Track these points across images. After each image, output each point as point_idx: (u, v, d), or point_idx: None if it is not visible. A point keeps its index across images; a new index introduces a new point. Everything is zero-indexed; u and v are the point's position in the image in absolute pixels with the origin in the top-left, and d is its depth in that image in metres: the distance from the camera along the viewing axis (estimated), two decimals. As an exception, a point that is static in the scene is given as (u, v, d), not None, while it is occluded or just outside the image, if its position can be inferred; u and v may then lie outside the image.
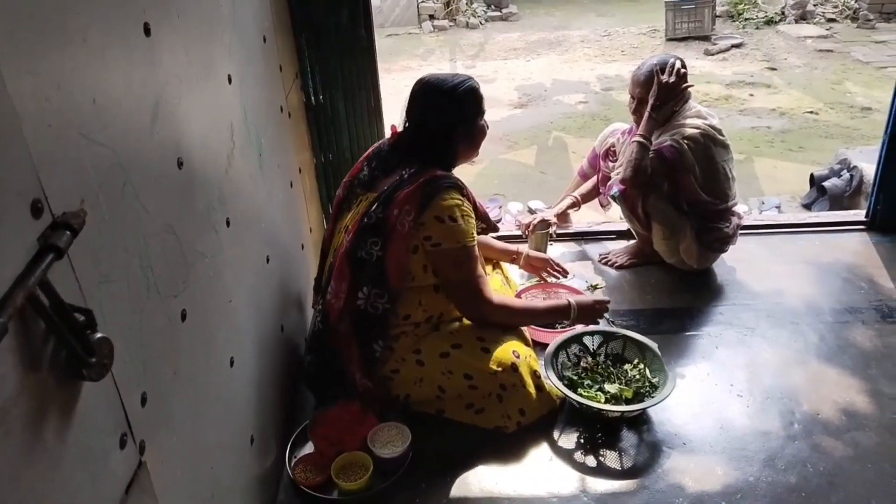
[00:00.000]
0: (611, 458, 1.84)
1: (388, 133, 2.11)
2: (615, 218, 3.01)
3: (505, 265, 2.44)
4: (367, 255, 1.82)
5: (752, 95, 6.68)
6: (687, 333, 2.32)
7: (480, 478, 1.79)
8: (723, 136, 2.46)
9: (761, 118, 6.04)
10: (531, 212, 3.56)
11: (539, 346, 2.11)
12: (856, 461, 1.78)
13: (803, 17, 9.35)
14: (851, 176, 4.05)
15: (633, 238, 2.75)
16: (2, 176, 0.70)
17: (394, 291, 1.83)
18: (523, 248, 2.44)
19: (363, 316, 1.84)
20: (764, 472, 1.77)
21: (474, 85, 1.91)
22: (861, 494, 1.69)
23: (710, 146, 2.40)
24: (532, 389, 1.90)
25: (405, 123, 1.95)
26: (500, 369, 1.86)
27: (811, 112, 6.12)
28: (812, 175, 4.34)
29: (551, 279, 2.46)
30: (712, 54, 8.16)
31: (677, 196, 2.47)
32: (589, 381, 1.98)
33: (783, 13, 9.50)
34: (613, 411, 1.87)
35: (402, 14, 10.59)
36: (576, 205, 2.88)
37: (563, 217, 2.90)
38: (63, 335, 0.77)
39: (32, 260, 0.72)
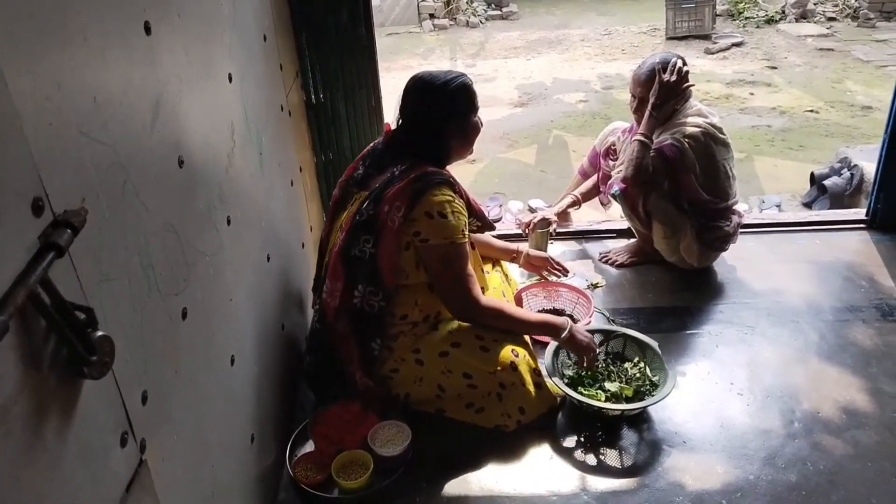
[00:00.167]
0: (611, 457, 1.84)
1: (388, 132, 2.10)
2: (616, 216, 3.01)
3: (505, 263, 2.44)
4: (360, 252, 1.82)
5: (752, 94, 6.68)
6: (687, 332, 2.32)
7: (481, 476, 1.79)
8: (723, 134, 2.46)
9: (762, 117, 6.03)
10: (531, 210, 3.56)
11: (539, 345, 2.11)
12: (856, 459, 1.79)
13: (804, 16, 9.35)
14: (852, 175, 4.04)
15: (634, 237, 2.75)
16: (3, 174, 0.70)
17: (388, 289, 1.83)
18: (523, 246, 2.44)
19: (359, 314, 1.84)
20: (764, 470, 1.77)
21: (467, 81, 1.91)
22: (861, 493, 1.69)
23: (710, 145, 2.40)
24: (531, 388, 1.90)
25: (398, 121, 1.95)
26: (499, 368, 1.86)
27: (811, 111, 6.12)
28: (812, 174, 4.33)
29: (552, 278, 2.46)
30: (713, 53, 8.16)
31: (678, 195, 2.47)
32: (589, 380, 1.98)
33: (783, 12, 9.50)
34: (614, 410, 1.87)
35: (403, 13, 10.59)
36: (576, 203, 2.88)
37: (563, 216, 2.90)
38: (64, 333, 0.77)
39: (33, 258, 0.73)
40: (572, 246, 2.90)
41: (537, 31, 9.90)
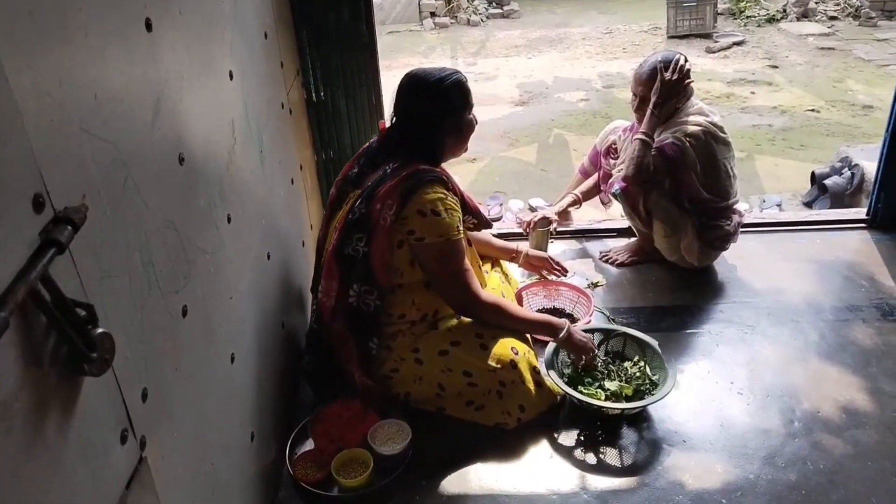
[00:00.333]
0: (611, 456, 1.84)
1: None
2: (616, 215, 3.01)
3: (505, 263, 2.44)
4: (353, 251, 1.82)
5: (753, 93, 6.68)
6: (687, 331, 2.32)
7: (480, 475, 1.79)
8: (724, 133, 2.46)
9: (762, 116, 6.03)
10: (532, 209, 3.56)
11: (539, 343, 2.11)
12: (856, 459, 1.79)
13: (805, 15, 9.34)
14: (852, 174, 4.04)
15: (634, 236, 2.75)
16: (3, 171, 0.70)
17: (382, 288, 1.83)
18: (523, 246, 2.44)
19: (356, 314, 1.84)
20: (764, 469, 1.77)
21: (461, 78, 1.90)
22: (861, 492, 1.69)
23: (711, 144, 2.40)
24: (531, 386, 1.90)
25: (392, 118, 1.95)
26: (499, 366, 1.86)
27: (812, 110, 6.11)
28: (813, 173, 4.33)
29: (551, 277, 2.46)
30: (714, 52, 8.15)
31: (679, 194, 2.47)
32: (589, 379, 1.98)
33: (785, 11, 9.49)
34: (614, 409, 1.87)
35: (404, 11, 10.58)
36: (577, 202, 2.88)
37: (563, 215, 2.90)
38: (64, 330, 0.77)
39: (34, 254, 0.73)
40: (573, 245, 2.90)
41: (538, 29, 9.89)
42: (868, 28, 8.85)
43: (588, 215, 3.16)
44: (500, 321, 1.93)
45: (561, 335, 1.94)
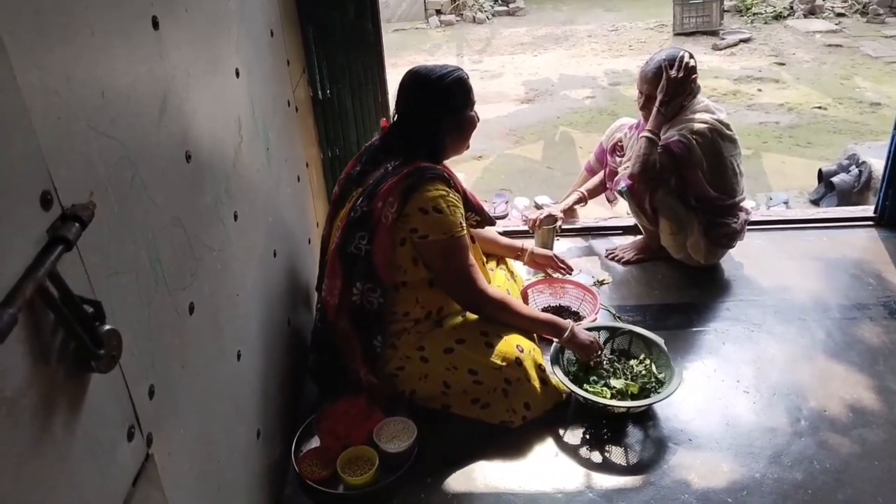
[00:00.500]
0: (616, 454, 1.84)
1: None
2: (622, 213, 3.01)
3: (510, 261, 2.44)
4: (356, 249, 1.82)
5: (760, 90, 6.65)
6: (693, 329, 2.31)
7: (486, 473, 1.79)
8: (730, 130, 2.45)
9: (769, 113, 6.00)
10: (538, 207, 3.55)
11: (544, 342, 2.10)
12: (863, 458, 1.78)
13: (812, 12, 9.29)
14: (860, 171, 4.02)
15: (640, 233, 2.74)
16: (12, 168, 0.70)
17: (385, 285, 1.83)
18: (528, 244, 2.44)
19: (359, 312, 1.84)
20: (770, 468, 1.76)
21: (462, 75, 1.90)
22: (868, 492, 1.68)
23: (717, 141, 2.39)
24: (537, 383, 1.90)
25: (394, 116, 1.95)
26: (504, 364, 1.85)
27: (819, 107, 6.09)
28: (820, 170, 4.31)
29: (556, 275, 2.46)
30: (720, 49, 8.12)
31: (685, 191, 2.46)
32: (595, 377, 1.98)
33: (792, 8, 9.45)
34: (619, 407, 1.87)
35: (409, 9, 10.57)
36: (582, 200, 2.87)
37: (569, 212, 2.89)
38: (72, 327, 0.78)
39: (42, 251, 0.73)
40: (578, 242, 2.89)
41: (544, 27, 9.87)
42: (876, 25, 8.80)
43: (594, 213, 3.15)
44: (505, 318, 1.93)
45: (565, 335, 1.94)
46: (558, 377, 1.91)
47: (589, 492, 1.72)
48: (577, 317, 2.34)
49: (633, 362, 2.03)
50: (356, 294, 1.83)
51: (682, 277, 2.59)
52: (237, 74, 1.55)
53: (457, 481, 1.76)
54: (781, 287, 2.50)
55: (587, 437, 1.89)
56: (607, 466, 1.80)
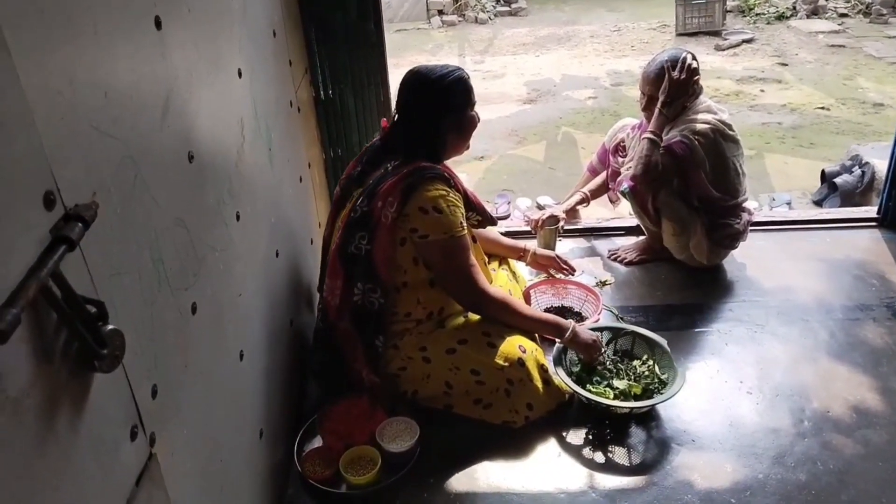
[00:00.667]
0: (619, 455, 1.84)
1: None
2: (624, 214, 3.00)
3: (513, 261, 2.44)
4: (356, 249, 1.82)
5: (762, 91, 6.64)
6: (696, 330, 2.31)
7: (488, 473, 1.79)
8: (733, 131, 2.45)
9: (772, 114, 5.99)
10: (540, 208, 3.55)
11: (547, 342, 2.10)
12: (866, 459, 1.77)
13: (815, 12, 9.27)
14: (863, 172, 4.01)
15: (643, 234, 2.74)
16: (15, 168, 0.71)
17: (386, 286, 1.83)
18: (531, 244, 2.44)
19: (360, 312, 1.84)
20: (773, 469, 1.76)
21: (463, 75, 1.90)
22: (871, 492, 1.68)
23: (720, 141, 2.39)
24: (539, 384, 1.90)
25: (395, 116, 1.95)
26: (506, 364, 1.85)
27: (822, 108, 6.07)
28: (823, 171, 4.30)
29: (559, 276, 2.46)
30: (723, 49, 8.10)
31: (688, 192, 2.46)
32: (598, 378, 1.98)
33: (794, 8, 9.43)
34: (622, 407, 1.86)
35: (411, 9, 10.57)
36: (585, 200, 2.87)
37: (572, 213, 2.89)
38: (75, 327, 0.78)
39: (45, 251, 0.73)
40: (581, 243, 2.89)
41: (546, 27, 9.87)
42: (879, 25, 8.78)
43: (596, 213, 3.15)
44: (507, 317, 1.93)
45: (566, 336, 1.94)
46: (561, 378, 1.91)
47: (592, 492, 1.72)
48: (579, 317, 2.34)
49: (636, 363, 2.03)
50: (357, 294, 1.83)
51: (684, 278, 2.59)
52: (240, 75, 1.56)
53: (459, 481, 1.76)
54: (784, 288, 2.50)
55: (590, 437, 1.89)
56: (610, 467, 1.80)
